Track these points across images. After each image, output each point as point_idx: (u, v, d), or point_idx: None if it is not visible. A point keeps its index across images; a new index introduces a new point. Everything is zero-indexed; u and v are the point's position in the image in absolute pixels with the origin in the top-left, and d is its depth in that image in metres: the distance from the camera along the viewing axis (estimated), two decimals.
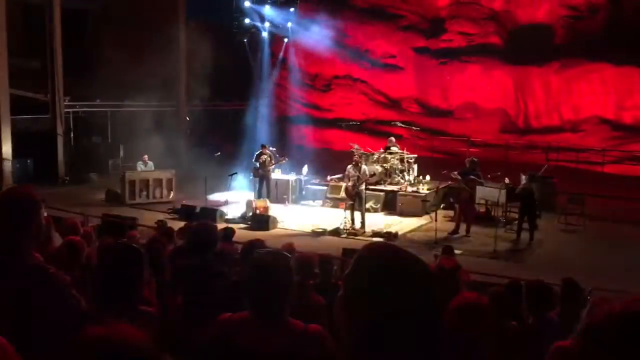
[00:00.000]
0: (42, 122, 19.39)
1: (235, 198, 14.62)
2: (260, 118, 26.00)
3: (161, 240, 5.31)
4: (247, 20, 23.39)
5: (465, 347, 2.22)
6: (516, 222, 12.13)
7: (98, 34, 22.98)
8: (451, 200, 13.04)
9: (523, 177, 11.81)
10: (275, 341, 2.27)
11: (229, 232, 6.98)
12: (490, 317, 2.59)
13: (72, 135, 19.69)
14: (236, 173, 14.55)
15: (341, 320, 1.31)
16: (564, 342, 2.76)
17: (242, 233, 10.68)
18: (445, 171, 12.60)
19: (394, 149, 15.72)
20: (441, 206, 13.89)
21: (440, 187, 12.98)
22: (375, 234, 12.02)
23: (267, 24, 23.70)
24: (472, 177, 11.90)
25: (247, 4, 23.01)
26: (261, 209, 13.22)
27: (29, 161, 18.29)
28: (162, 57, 19.61)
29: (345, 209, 12.63)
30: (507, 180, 12.66)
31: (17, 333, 2.04)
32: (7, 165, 16.88)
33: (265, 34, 23.97)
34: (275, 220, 12.82)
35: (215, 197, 14.52)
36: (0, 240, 2.33)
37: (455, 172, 12.37)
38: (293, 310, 2.42)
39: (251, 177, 15.07)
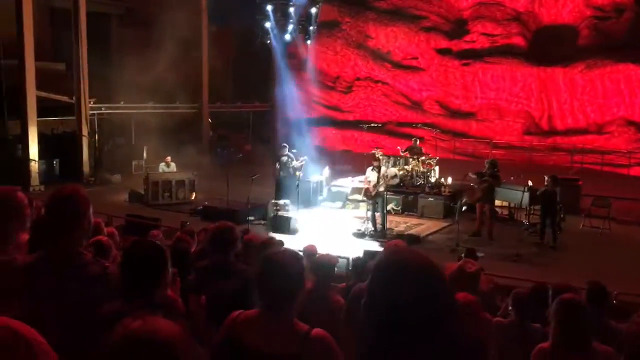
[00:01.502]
0: (67, 123, 19.78)
1: (256, 200, 14.72)
2: (281, 120, 26.15)
3: (187, 240, 5.40)
4: (268, 24, 23.54)
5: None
6: (539, 224, 12.03)
7: (121, 37, 23.35)
8: (464, 200, 12.95)
9: (546, 178, 11.70)
10: (278, 342, 2.31)
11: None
12: (483, 315, 2.68)
13: (96, 136, 20.01)
14: (257, 175, 14.63)
15: (362, 324, 1.35)
16: (544, 343, 2.86)
17: (263, 235, 10.77)
18: (466, 174, 12.55)
19: (416, 150, 15.69)
20: (463, 209, 13.82)
21: (459, 189, 12.92)
22: (397, 236, 12.01)
23: (289, 27, 23.81)
24: (486, 178, 11.81)
25: (269, 7, 23.16)
26: (282, 211, 13.29)
27: (54, 162, 18.64)
28: (184, 59, 19.85)
29: (367, 211, 12.64)
30: (529, 183, 12.56)
31: (71, 327, 2.15)
32: (34, 166, 17.24)
33: (287, 36, 24.09)
34: (296, 222, 12.88)
35: (237, 198, 14.64)
36: (57, 235, 2.46)
37: (471, 173, 12.29)
38: (313, 309, 2.46)
39: (273, 179, 15.15)
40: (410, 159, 15.42)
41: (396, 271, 1.34)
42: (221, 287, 3.55)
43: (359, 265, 5.49)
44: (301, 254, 4.59)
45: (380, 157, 13.97)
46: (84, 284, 2.39)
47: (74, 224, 2.47)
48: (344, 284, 5.06)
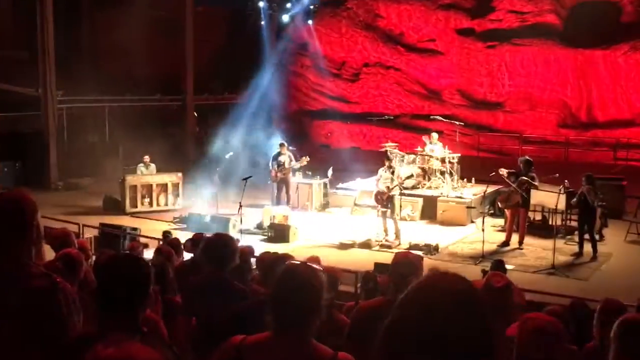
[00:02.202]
0: (32, 120, 19.81)
1: (250, 204, 14.74)
2: (278, 113, 26.15)
3: (169, 253, 5.41)
4: (261, 3, 23.56)
5: None
6: (577, 232, 12.00)
7: (94, 21, 23.39)
8: (500, 206, 12.94)
9: (583, 179, 11.67)
10: None
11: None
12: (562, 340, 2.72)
13: (65, 134, 20.04)
14: (251, 176, 14.65)
15: (382, 350, 1.35)
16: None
17: (259, 245, 10.78)
18: (493, 172, 12.53)
19: (434, 147, 15.68)
20: (489, 213, 13.81)
21: (488, 191, 12.89)
22: (413, 246, 12.00)
23: (287, 5, 23.83)
24: (524, 178, 11.82)
25: None
26: (280, 218, 13.30)
27: (17, 164, 18.69)
28: (166, 46, 19.90)
29: (378, 217, 12.64)
30: (567, 183, 12.52)
31: (18, 344, 2.16)
32: None
33: (284, 17, 24.12)
34: (296, 230, 12.89)
35: (227, 203, 14.66)
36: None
37: (505, 171, 12.28)
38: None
39: (268, 181, 15.17)
40: (428, 157, 15.41)
41: (439, 298, 1.33)
42: (216, 309, 3.55)
43: (370, 281, 5.49)
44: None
45: (394, 155, 13.99)
46: (26, 300, 2.38)
47: (18, 233, 2.48)
48: (352, 303, 5.06)
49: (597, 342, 3.96)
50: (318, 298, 2.39)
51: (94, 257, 7.77)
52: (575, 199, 11.60)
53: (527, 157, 12.68)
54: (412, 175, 13.28)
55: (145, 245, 10.73)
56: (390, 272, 3.71)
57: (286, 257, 4.74)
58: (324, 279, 2.49)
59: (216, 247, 3.82)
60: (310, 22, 24.55)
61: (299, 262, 2.64)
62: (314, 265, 2.64)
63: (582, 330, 4.25)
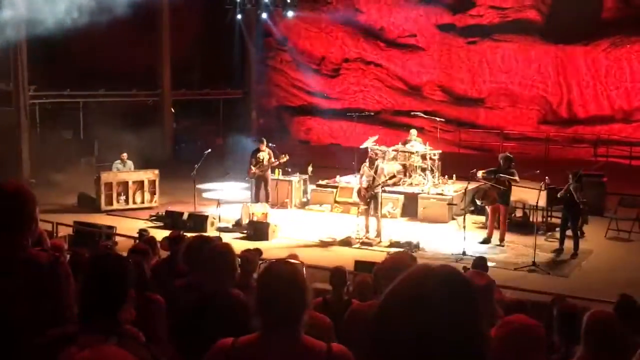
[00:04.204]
0: (3, 115, 19.53)
1: (228, 202, 14.69)
2: (256, 108, 26.10)
3: (143, 252, 5.37)
4: None
5: None
6: (558, 229, 12.12)
7: None
8: (478, 202, 13.02)
9: (570, 176, 11.77)
10: None
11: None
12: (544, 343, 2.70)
13: (38, 130, 19.80)
14: (229, 173, 14.62)
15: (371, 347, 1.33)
16: None
17: (237, 243, 10.74)
18: (473, 170, 12.61)
19: (414, 143, 15.73)
20: (470, 210, 13.90)
21: (469, 188, 12.98)
22: (393, 244, 12.04)
23: None
24: (503, 176, 11.89)
25: None
26: (259, 216, 13.28)
27: None
28: (142, 39, 19.71)
29: (359, 214, 12.65)
30: (547, 180, 12.64)
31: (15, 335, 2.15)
32: None
33: (263, 12, 24.01)
34: (275, 228, 12.87)
35: (205, 201, 14.61)
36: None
37: (480, 172, 12.35)
38: None
39: (247, 178, 15.12)
40: (409, 154, 15.46)
41: (423, 293, 1.29)
42: (200, 312, 3.54)
43: (338, 277, 5.49)
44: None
45: (375, 151, 14.00)
46: (30, 273, 2.43)
47: (20, 224, 2.49)
48: (320, 299, 5.07)
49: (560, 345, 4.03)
50: (303, 293, 2.38)
51: (67, 257, 7.68)
52: (562, 193, 11.71)
53: (507, 154, 12.77)
54: (394, 176, 13.28)
55: (115, 244, 10.68)
56: (378, 275, 3.62)
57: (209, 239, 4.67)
58: (304, 275, 2.49)
59: (197, 251, 3.83)
60: (289, 14, 24.46)
61: (278, 260, 2.63)
62: (295, 262, 2.64)
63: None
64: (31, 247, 2.60)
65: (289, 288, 2.35)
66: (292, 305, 2.34)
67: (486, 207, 12.71)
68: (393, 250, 11.00)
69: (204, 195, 16.08)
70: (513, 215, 13.44)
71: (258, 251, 7.41)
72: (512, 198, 12.33)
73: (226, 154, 17.84)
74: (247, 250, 6.57)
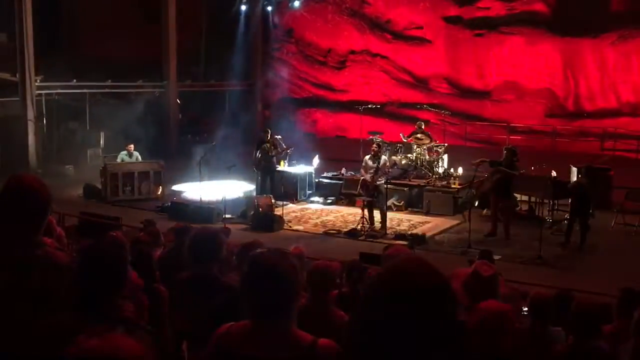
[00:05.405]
0: (9, 105, 19.58)
1: (234, 193, 14.71)
2: (262, 100, 26.07)
3: (147, 243, 5.38)
4: None
5: None
6: (565, 222, 12.09)
7: (74, 3, 23.11)
8: (471, 192, 12.98)
9: (574, 169, 11.75)
10: (279, 354, 2.31)
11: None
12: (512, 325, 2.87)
13: (44, 120, 19.83)
14: (235, 165, 14.61)
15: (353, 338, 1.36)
16: None
17: (242, 235, 10.76)
18: (476, 160, 12.54)
19: (421, 136, 15.70)
20: (475, 203, 13.88)
21: (474, 181, 12.95)
22: (398, 235, 12.05)
23: None
24: (501, 168, 11.83)
25: None
26: (264, 207, 13.29)
27: None
28: (148, 31, 19.71)
29: (363, 207, 12.66)
30: (554, 173, 12.62)
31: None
32: None
33: (268, 3, 23.96)
34: (281, 219, 12.89)
35: (211, 192, 14.63)
36: (9, 233, 2.46)
37: (478, 160, 12.29)
38: (311, 328, 2.45)
39: (253, 170, 15.14)
40: (415, 146, 15.44)
41: (398, 287, 1.34)
42: (202, 304, 3.56)
43: (355, 271, 5.48)
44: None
45: (380, 144, 13.99)
46: (47, 275, 2.41)
47: (36, 220, 2.49)
48: (335, 292, 5.05)
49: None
50: (290, 283, 2.36)
51: (74, 247, 7.71)
52: (572, 184, 11.66)
53: (512, 146, 12.73)
54: (397, 165, 13.29)
55: (126, 235, 10.67)
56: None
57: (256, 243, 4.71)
58: (294, 263, 2.45)
59: (202, 243, 3.83)
60: (295, 5, 24.40)
61: (266, 250, 2.61)
62: (285, 251, 2.64)
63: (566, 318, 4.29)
64: (45, 243, 2.56)
65: (272, 278, 2.33)
66: (277, 295, 2.32)
67: (490, 200, 12.69)
68: (398, 242, 11.02)
69: (209, 186, 16.09)
70: (519, 208, 13.41)
71: (257, 243, 7.42)
72: (519, 191, 12.30)
73: (231, 145, 17.84)
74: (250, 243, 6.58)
